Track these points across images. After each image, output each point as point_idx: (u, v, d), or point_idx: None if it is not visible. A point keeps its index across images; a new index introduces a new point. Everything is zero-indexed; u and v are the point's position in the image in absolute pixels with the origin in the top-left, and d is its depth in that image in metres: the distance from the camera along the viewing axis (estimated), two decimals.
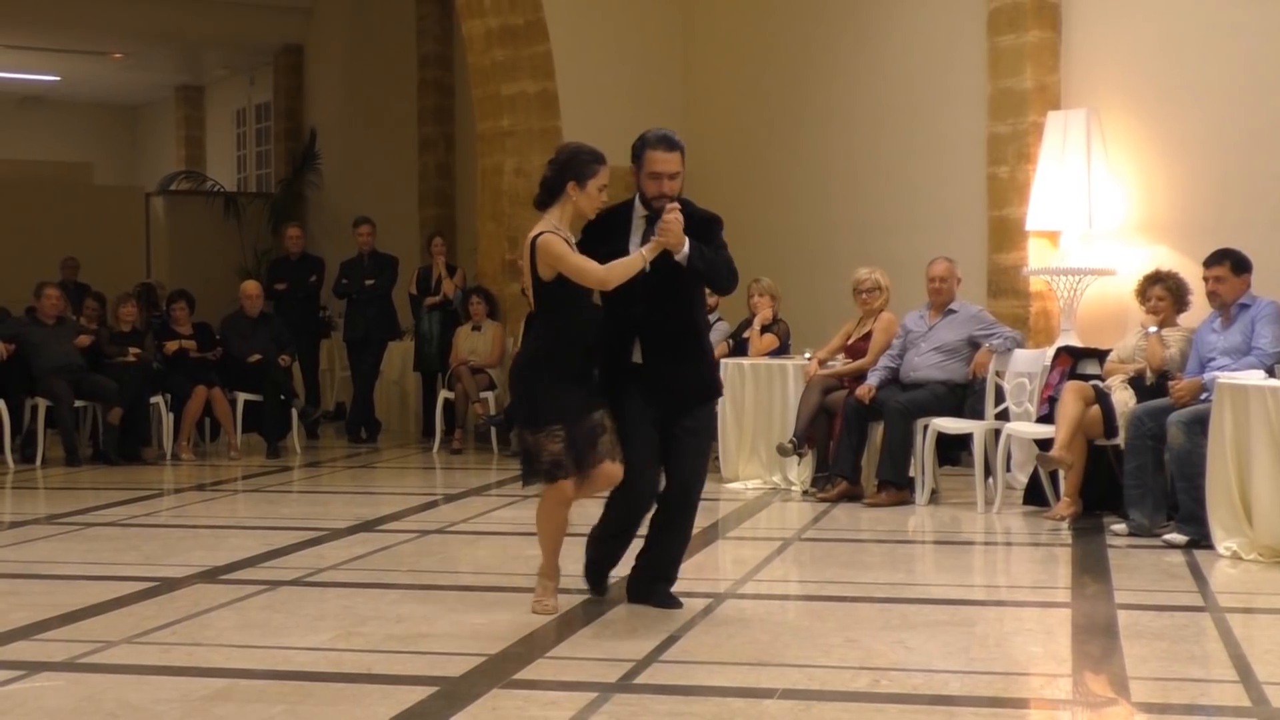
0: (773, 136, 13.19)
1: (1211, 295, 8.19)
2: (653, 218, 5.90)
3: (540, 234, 5.88)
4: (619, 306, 5.94)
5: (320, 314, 15.34)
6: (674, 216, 5.74)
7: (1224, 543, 7.28)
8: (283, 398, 12.96)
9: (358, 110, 19.51)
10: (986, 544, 8.33)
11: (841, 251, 11.23)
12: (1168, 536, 7.66)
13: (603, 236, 6.02)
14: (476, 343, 13.30)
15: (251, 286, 13.57)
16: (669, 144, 5.98)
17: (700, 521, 9.29)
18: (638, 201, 6.06)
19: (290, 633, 5.69)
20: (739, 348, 11.09)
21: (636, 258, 5.81)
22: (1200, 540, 7.46)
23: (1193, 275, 8.58)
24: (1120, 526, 8.05)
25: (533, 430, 5.91)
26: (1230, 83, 9.78)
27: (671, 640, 5.52)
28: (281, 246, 15.53)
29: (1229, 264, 8.13)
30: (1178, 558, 7.30)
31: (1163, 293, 8.61)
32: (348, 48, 19.84)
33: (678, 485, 6.11)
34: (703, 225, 5.91)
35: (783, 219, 12.95)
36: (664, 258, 5.80)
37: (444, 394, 13.29)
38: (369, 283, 14.02)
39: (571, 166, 5.99)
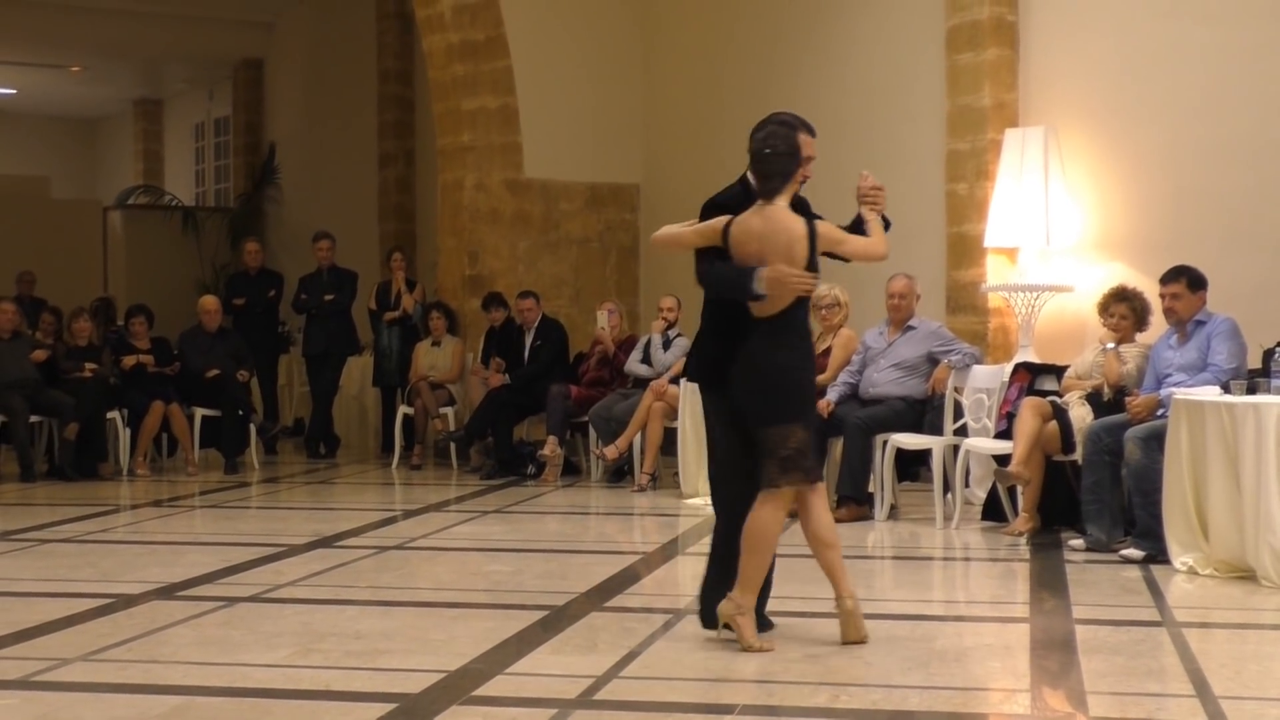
0: (734, 153, 13.09)
1: (1168, 312, 8.24)
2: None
3: (814, 219, 5.90)
4: None
5: (279, 329, 15.29)
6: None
7: (1180, 558, 7.32)
8: (241, 413, 12.90)
9: (317, 125, 19.47)
10: (945, 559, 8.35)
11: None
12: (1125, 552, 7.70)
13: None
14: (436, 358, 13.27)
15: (210, 301, 13.50)
16: (809, 129, 6.29)
17: (658, 537, 9.36)
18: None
19: (248, 649, 5.66)
20: None
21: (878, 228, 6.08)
22: (1157, 555, 7.50)
23: (1149, 291, 8.63)
24: (1078, 542, 8.09)
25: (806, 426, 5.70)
26: (1185, 101, 9.86)
27: (631, 656, 5.51)
28: (240, 261, 15.49)
29: (1185, 281, 8.18)
30: (1135, 573, 7.34)
31: (1126, 311, 8.65)
32: (308, 62, 19.80)
33: None
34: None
35: None
36: None
37: (403, 409, 13.26)
38: (328, 298, 13.97)
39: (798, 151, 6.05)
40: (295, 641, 5.78)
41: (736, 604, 5.60)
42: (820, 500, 5.74)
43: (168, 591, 6.91)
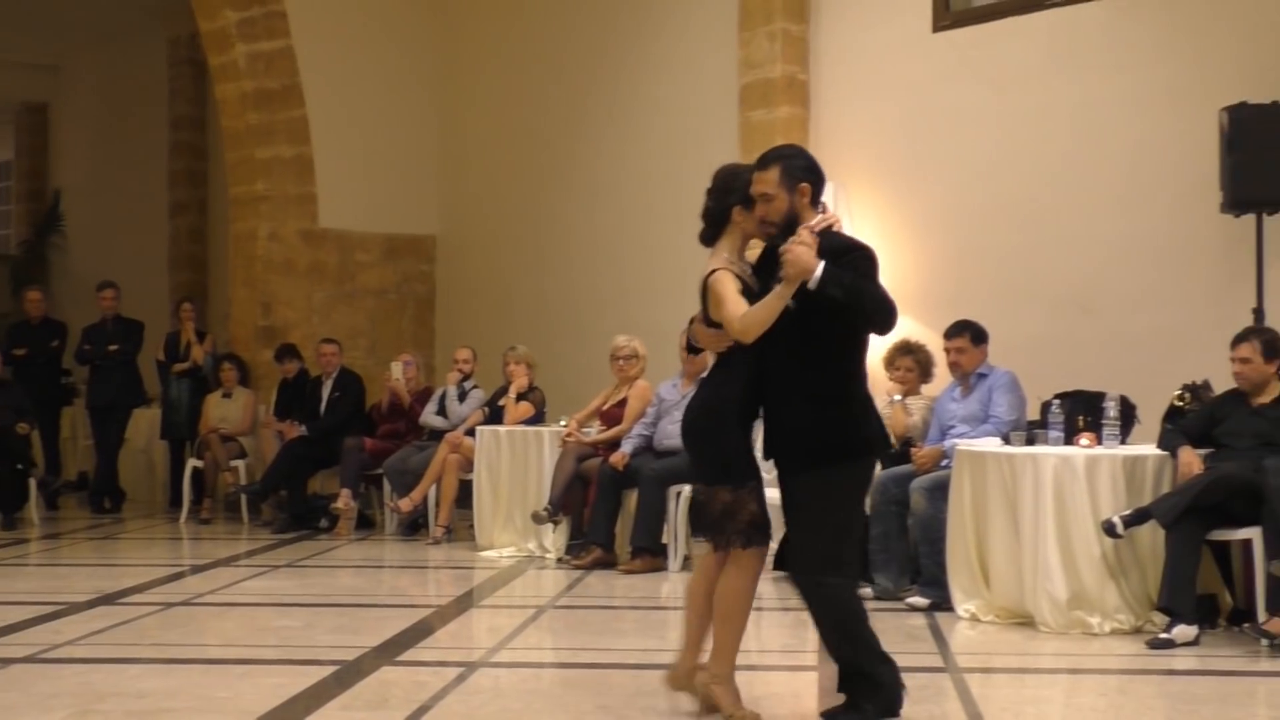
0: (534, 206, 13.26)
1: (953, 366, 8.48)
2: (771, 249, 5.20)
3: (712, 271, 5.21)
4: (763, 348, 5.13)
5: (63, 380, 14.83)
6: (796, 241, 4.92)
7: (963, 605, 7.51)
8: (20, 467, 12.47)
9: (106, 172, 19.01)
10: None
11: (605, 320, 11.32)
12: (911, 600, 7.87)
13: (771, 271, 5.14)
14: (227, 410, 13.04)
15: None
16: (759, 162, 5.21)
17: (453, 590, 9.28)
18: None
19: (22, 713, 5.45)
20: (494, 415, 11.08)
21: (773, 298, 4.96)
22: (941, 603, 7.68)
23: (934, 345, 8.88)
24: (866, 590, 8.20)
25: (733, 487, 5.17)
26: (968, 163, 10.19)
27: (422, 710, 5.45)
28: (21, 310, 15.02)
29: (969, 335, 8.44)
30: (920, 620, 7.50)
31: (911, 364, 8.89)
32: (96, 107, 19.34)
33: None
34: (840, 254, 5.00)
35: (545, 287, 13.01)
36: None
37: (193, 462, 12.98)
38: (112, 348, 13.63)
39: (735, 189, 5.27)
40: (73, 703, 5.59)
41: (713, 674, 5.26)
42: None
43: None
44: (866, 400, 5.22)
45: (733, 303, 5.07)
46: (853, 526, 5.18)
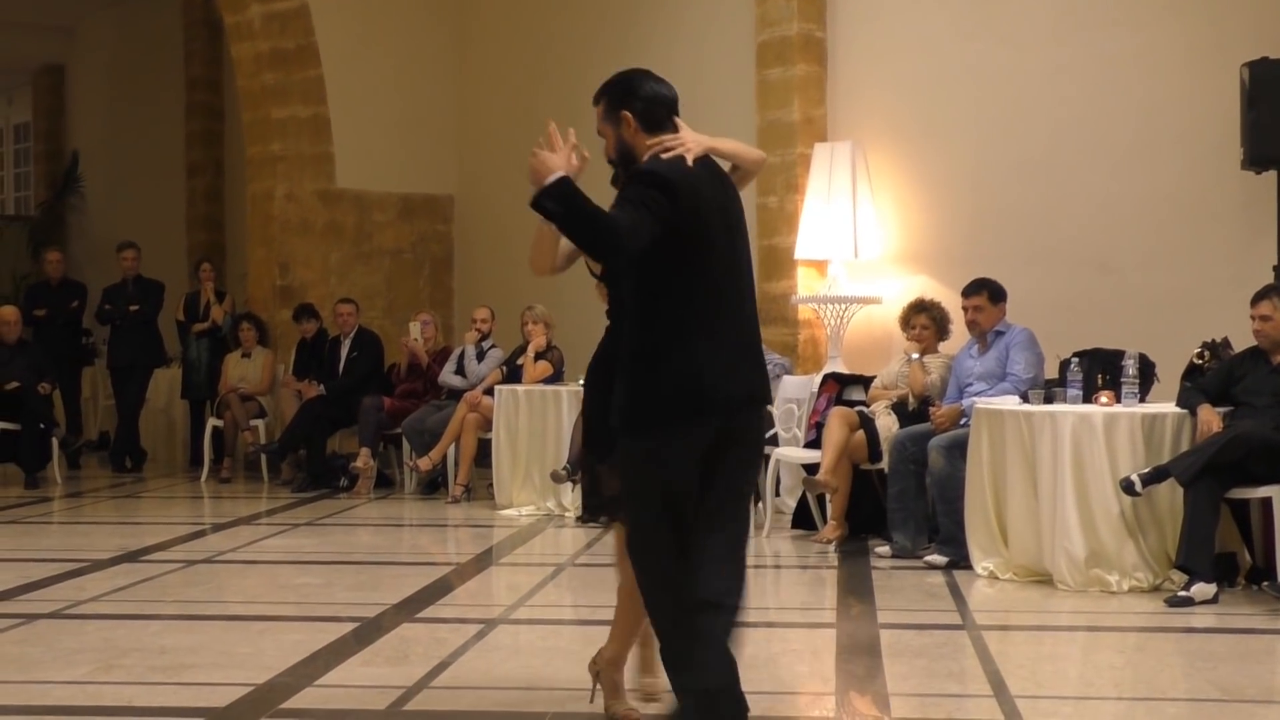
0: None
1: (970, 324, 8.47)
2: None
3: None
4: None
5: (84, 340, 14.92)
6: (534, 149, 4.18)
7: (981, 563, 7.52)
8: (42, 426, 12.54)
9: (123, 133, 19.01)
10: (756, 567, 8.45)
11: None
12: (929, 558, 7.89)
13: None
14: (246, 370, 13.09)
15: (9, 312, 13.09)
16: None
17: (472, 548, 9.33)
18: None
19: (47, 667, 5.51)
20: (513, 374, 11.11)
21: (539, 223, 4.47)
22: (959, 561, 7.70)
23: (951, 303, 8.87)
24: (884, 549, 8.26)
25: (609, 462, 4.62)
26: (985, 121, 10.13)
27: (443, 666, 5.49)
28: (41, 271, 15.08)
29: (986, 293, 8.43)
30: (938, 578, 7.52)
31: (926, 321, 8.88)
32: (112, 69, 19.33)
33: None
34: (628, 181, 4.32)
35: (561, 245, 12.99)
36: None
37: (212, 422, 13.04)
38: (133, 309, 13.68)
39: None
40: (97, 658, 5.64)
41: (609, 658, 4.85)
42: None
43: None
44: (698, 360, 4.15)
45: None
46: (643, 514, 4.18)
